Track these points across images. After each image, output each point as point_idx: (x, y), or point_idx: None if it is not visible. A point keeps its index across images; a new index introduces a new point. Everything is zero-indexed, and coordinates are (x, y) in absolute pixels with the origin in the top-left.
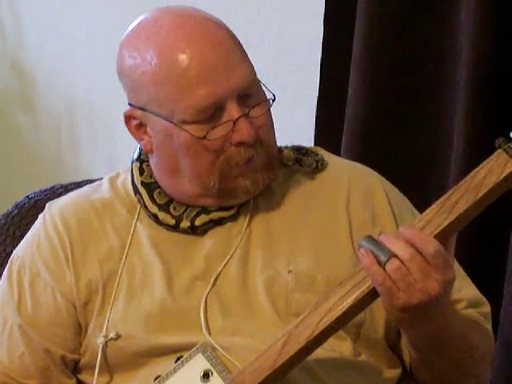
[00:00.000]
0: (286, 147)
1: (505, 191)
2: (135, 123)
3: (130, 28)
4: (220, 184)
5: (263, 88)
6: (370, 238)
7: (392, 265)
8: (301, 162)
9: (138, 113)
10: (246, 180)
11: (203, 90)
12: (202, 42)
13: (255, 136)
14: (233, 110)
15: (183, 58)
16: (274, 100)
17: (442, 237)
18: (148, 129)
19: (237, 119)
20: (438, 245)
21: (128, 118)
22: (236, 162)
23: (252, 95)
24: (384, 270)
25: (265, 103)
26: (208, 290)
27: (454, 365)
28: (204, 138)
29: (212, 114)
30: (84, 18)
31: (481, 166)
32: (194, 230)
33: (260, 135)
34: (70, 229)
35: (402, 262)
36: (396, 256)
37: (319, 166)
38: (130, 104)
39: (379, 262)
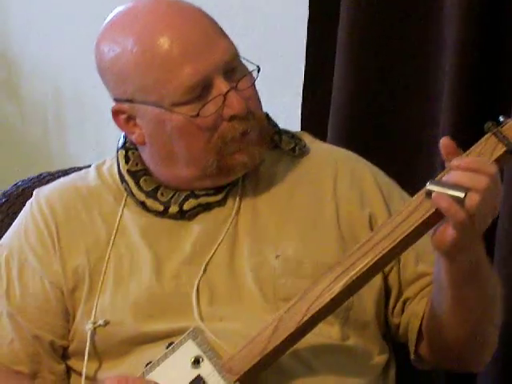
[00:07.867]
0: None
1: None
2: (123, 117)
3: (104, 24)
4: (218, 162)
5: (245, 62)
6: (434, 181)
7: (472, 200)
8: (280, 141)
9: (126, 106)
10: (243, 155)
11: (189, 68)
12: (179, 22)
13: (246, 108)
14: (221, 85)
15: (164, 40)
16: (258, 71)
17: None
18: (138, 120)
19: (226, 93)
20: (493, 163)
21: (116, 114)
22: (231, 137)
23: (236, 69)
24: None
25: (249, 76)
26: (199, 276)
27: (484, 304)
28: (197, 115)
29: (201, 91)
30: (71, 5)
31: (469, 150)
32: (182, 215)
33: (250, 107)
34: (56, 215)
35: (477, 193)
36: (468, 189)
37: (296, 151)
38: (115, 99)
39: (456, 201)
